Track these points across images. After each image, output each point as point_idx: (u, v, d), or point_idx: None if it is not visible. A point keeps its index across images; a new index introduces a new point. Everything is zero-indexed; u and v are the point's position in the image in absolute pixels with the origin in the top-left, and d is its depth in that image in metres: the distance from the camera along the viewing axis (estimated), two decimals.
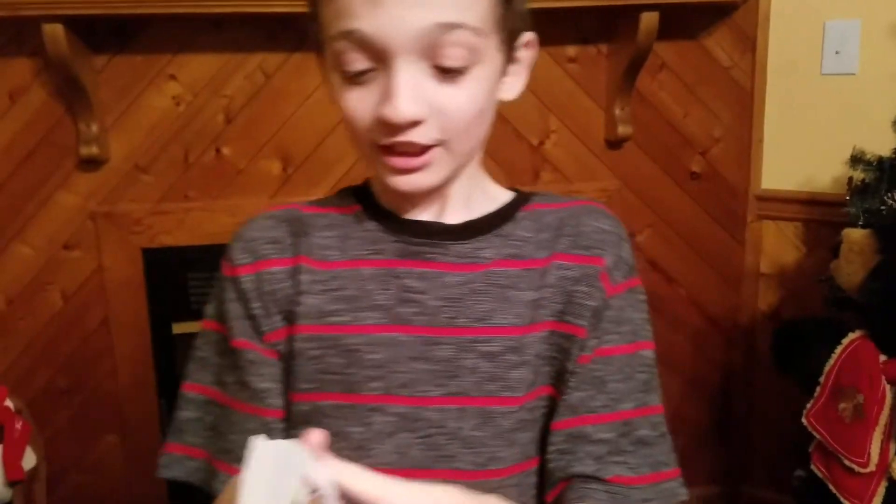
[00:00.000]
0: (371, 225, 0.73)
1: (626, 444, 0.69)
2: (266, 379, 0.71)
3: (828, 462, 1.62)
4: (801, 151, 1.99)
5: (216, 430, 0.73)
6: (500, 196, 0.76)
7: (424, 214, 0.73)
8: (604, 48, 1.90)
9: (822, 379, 1.62)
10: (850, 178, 1.68)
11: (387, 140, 0.64)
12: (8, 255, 1.80)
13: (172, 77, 1.79)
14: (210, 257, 1.89)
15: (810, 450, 1.66)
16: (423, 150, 0.65)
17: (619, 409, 0.69)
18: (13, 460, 1.62)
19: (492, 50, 0.65)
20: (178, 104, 1.81)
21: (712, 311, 2.07)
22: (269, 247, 0.73)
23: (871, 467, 1.55)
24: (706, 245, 2.04)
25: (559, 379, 0.70)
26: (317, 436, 0.53)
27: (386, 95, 0.62)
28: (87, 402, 1.88)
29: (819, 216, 1.95)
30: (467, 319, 0.69)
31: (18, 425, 1.66)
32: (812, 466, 1.65)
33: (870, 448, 1.54)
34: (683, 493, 0.72)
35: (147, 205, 1.81)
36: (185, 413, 0.75)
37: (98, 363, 1.87)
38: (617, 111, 1.88)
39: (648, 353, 0.73)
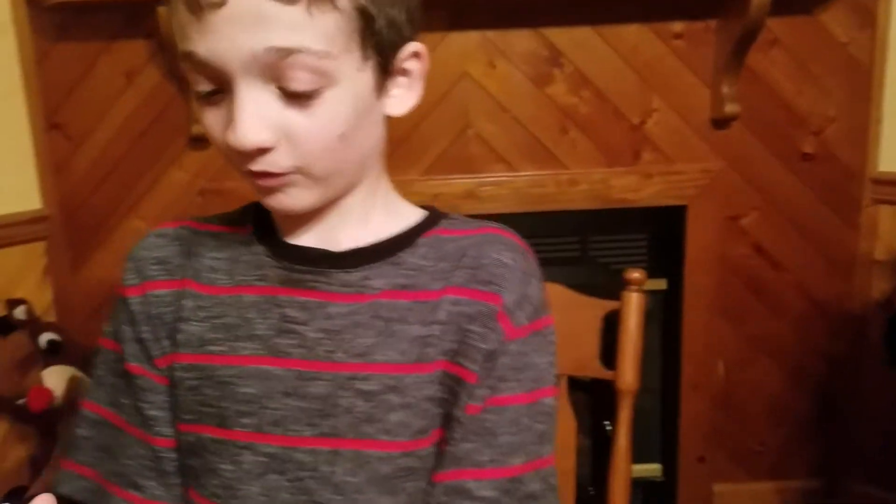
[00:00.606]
0: (258, 248, 0.68)
1: (510, 502, 0.63)
2: (155, 406, 0.68)
3: None
4: None
5: (108, 452, 0.70)
6: (407, 217, 0.71)
7: (312, 238, 0.68)
8: (712, 23, 1.83)
9: None
10: None
11: (241, 165, 0.60)
12: (122, 230, 1.90)
13: None
14: None
15: None
16: (281, 172, 0.60)
17: (509, 465, 0.64)
18: None
19: (350, 70, 0.58)
20: None
21: (820, 298, 1.99)
22: (156, 268, 0.70)
23: None
24: (816, 230, 1.95)
25: (448, 424, 0.64)
26: (42, 500, 0.51)
27: (231, 121, 0.58)
28: None
29: None
30: (346, 354, 0.64)
31: None
32: None
33: None
34: None
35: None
36: (80, 431, 0.72)
37: None
38: (724, 89, 1.81)
39: (549, 400, 0.66)
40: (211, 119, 0.61)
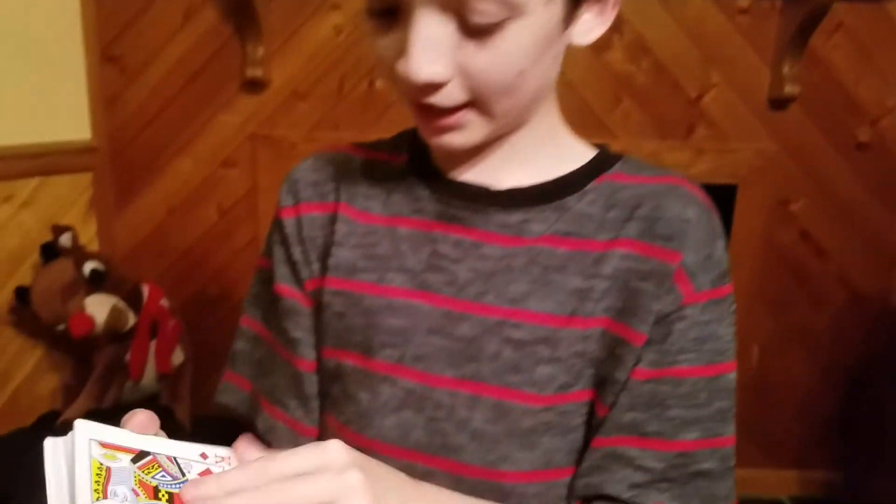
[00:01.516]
0: (415, 180, 0.66)
1: (677, 475, 0.59)
2: (299, 328, 0.68)
3: None
4: None
5: (262, 367, 0.71)
6: (577, 157, 0.64)
7: (472, 174, 0.64)
8: (778, 2, 1.80)
9: None
10: None
11: (410, 97, 0.57)
12: (172, 167, 1.91)
13: (336, 6, 1.83)
14: None
15: None
16: (453, 109, 0.56)
17: (680, 439, 0.59)
18: (164, 355, 1.74)
19: (538, 1, 0.53)
20: (338, 34, 1.84)
21: (862, 291, 1.96)
22: (310, 189, 0.68)
23: None
24: (864, 221, 1.92)
25: (602, 386, 0.60)
26: (139, 417, 0.50)
27: (403, 49, 0.53)
28: (232, 312, 1.99)
29: None
30: (497, 298, 0.61)
31: (171, 324, 1.78)
32: None
33: None
34: None
35: (301, 131, 1.87)
36: (239, 344, 0.73)
37: (244, 278, 1.97)
38: (785, 69, 1.79)
39: (731, 376, 0.61)
40: (381, 46, 0.56)
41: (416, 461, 0.62)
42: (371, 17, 0.56)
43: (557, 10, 0.55)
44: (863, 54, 1.84)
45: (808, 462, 2.06)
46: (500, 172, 0.63)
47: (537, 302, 0.60)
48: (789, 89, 1.79)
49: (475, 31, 0.52)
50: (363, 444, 0.64)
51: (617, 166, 0.64)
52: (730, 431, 0.61)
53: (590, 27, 0.59)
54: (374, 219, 0.66)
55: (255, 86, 1.84)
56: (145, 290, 1.77)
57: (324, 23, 1.83)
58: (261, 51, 1.80)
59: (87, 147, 1.85)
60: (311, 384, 0.68)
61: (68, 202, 1.83)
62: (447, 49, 0.53)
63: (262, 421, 0.69)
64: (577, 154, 0.65)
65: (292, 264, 0.67)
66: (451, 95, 0.55)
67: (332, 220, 0.66)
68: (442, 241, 0.63)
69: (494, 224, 0.62)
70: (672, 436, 0.59)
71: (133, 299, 1.73)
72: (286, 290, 0.68)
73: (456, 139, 0.58)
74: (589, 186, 0.62)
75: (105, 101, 1.87)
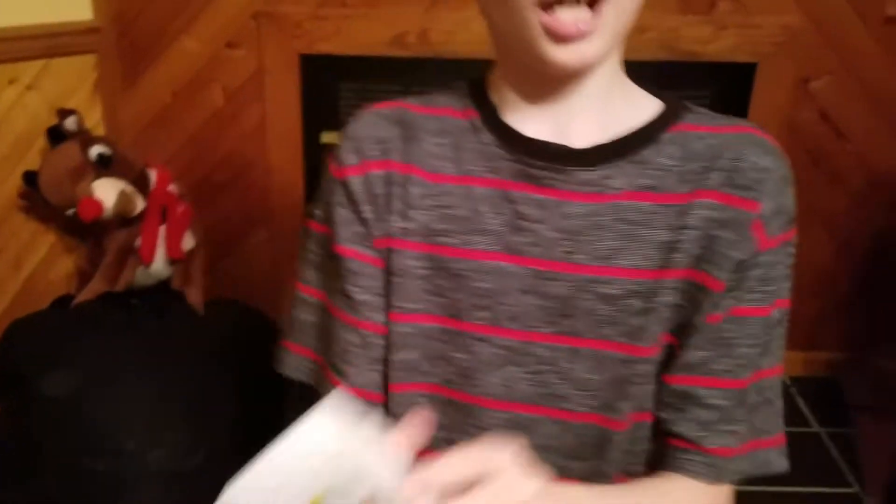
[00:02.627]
0: (487, 138, 0.64)
1: (739, 413, 0.64)
2: (366, 291, 0.67)
3: None
4: None
5: (325, 336, 0.71)
6: (645, 108, 0.64)
7: (545, 128, 0.63)
8: None
9: None
10: None
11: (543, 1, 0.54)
12: (175, 49, 1.86)
13: None
14: (364, 67, 1.90)
15: None
16: (591, 2, 0.54)
17: (742, 377, 0.63)
18: (175, 240, 1.74)
19: None
20: None
21: (880, 171, 1.93)
22: (377, 147, 0.66)
23: None
24: (887, 100, 1.87)
25: (681, 330, 0.63)
26: (414, 428, 0.49)
27: None
28: (241, 197, 1.98)
29: None
30: (587, 256, 0.62)
31: (180, 209, 1.77)
32: None
33: None
34: (781, 464, 0.66)
35: (307, 8, 1.80)
36: (299, 313, 0.73)
37: (253, 162, 1.95)
38: None
39: (785, 310, 0.65)
40: None
41: (522, 411, 0.66)
42: None
43: None
44: None
45: (815, 343, 2.08)
46: (574, 124, 0.62)
47: (626, 257, 0.62)
48: None
49: None
50: (467, 399, 0.67)
51: (688, 116, 0.64)
52: (777, 361, 0.66)
53: None
54: (446, 178, 0.65)
55: None
56: (153, 174, 1.75)
57: None
58: None
59: (90, 27, 1.78)
60: (378, 347, 0.68)
61: (73, 85, 1.78)
62: None
63: (328, 391, 0.69)
64: (645, 105, 0.65)
65: (363, 222, 0.66)
66: None
67: (403, 180, 0.65)
68: (522, 201, 0.63)
69: (576, 182, 0.62)
70: (736, 374, 0.63)
71: (141, 183, 1.71)
72: (352, 252, 0.67)
73: (586, 49, 0.56)
74: (663, 138, 0.63)
75: None
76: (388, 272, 0.67)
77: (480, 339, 0.65)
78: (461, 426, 0.68)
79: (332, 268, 0.69)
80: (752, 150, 0.62)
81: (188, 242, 1.78)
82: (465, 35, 1.78)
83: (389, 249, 0.66)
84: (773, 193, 0.61)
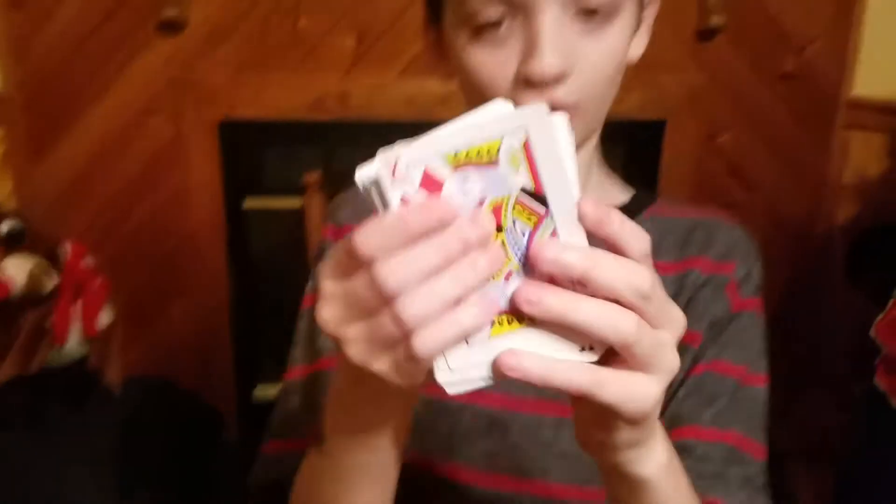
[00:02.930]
0: None
1: (731, 473, 0.63)
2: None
3: (892, 378, 1.59)
4: None
5: (313, 406, 0.69)
6: (618, 194, 0.72)
7: None
8: None
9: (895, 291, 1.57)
10: None
11: (522, 99, 0.57)
12: (88, 116, 1.81)
13: None
14: (285, 132, 1.89)
15: (875, 363, 1.63)
16: (562, 107, 0.57)
17: (729, 430, 0.64)
18: (90, 317, 1.67)
19: (630, 2, 0.60)
20: None
21: (788, 219, 2.02)
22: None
23: None
24: (789, 151, 1.96)
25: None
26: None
27: (529, 49, 0.56)
28: (161, 267, 1.92)
29: None
30: None
31: (96, 283, 1.71)
32: (875, 381, 1.63)
33: None
34: None
35: (225, 74, 1.78)
36: (291, 404, 0.70)
37: (173, 231, 1.90)
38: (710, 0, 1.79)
39: (763, 389, 0.67)
40: (487, 57, 0.58)
41: (503, 486, 0.64)
42: (472, 38, 0.58)
43: (633, 18, 0.61)
44: None
45: None
46: None
47: None
48: (715, 19, 1.79)
49: (590, 22, 0.57)
50: (448, 471, 0.66)
51: (659, 202, 0.72)
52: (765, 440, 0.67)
53: (636, 44, 0.66)
54: None
55: (172, 26, 1.75)
56: (67, 248, 1.69)
57: None
58: None
59: None
60: None
61: None
62: (570, 42, 0.57)
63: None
64: (617, 191, 0.71)
65: None
66: (569, 92, 0.58)
67: None
68: None
69: None
70: (722, 426, 0.64)
71: (54, 258, 1.65)
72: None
73: None
74: (639, 219, 0.67)
75: (12, 48, 1.75)
76: None
77: (462, 408, 0.65)
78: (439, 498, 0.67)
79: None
80: (722, 226, 0.71)
81: (105, 318, 1.71)
82: (383, 98, 1.80)
83: None
84: (746, 260, 0.69)
